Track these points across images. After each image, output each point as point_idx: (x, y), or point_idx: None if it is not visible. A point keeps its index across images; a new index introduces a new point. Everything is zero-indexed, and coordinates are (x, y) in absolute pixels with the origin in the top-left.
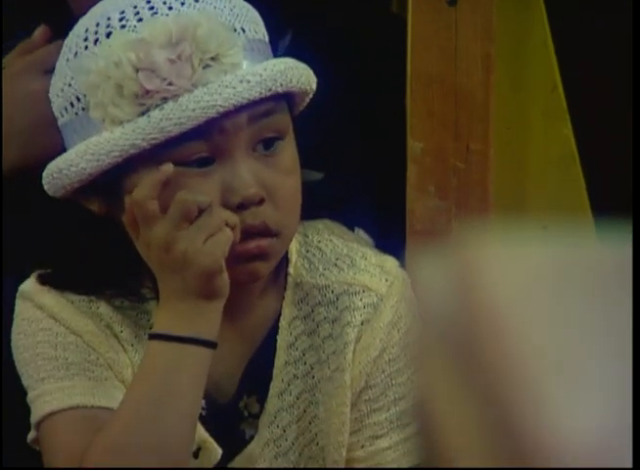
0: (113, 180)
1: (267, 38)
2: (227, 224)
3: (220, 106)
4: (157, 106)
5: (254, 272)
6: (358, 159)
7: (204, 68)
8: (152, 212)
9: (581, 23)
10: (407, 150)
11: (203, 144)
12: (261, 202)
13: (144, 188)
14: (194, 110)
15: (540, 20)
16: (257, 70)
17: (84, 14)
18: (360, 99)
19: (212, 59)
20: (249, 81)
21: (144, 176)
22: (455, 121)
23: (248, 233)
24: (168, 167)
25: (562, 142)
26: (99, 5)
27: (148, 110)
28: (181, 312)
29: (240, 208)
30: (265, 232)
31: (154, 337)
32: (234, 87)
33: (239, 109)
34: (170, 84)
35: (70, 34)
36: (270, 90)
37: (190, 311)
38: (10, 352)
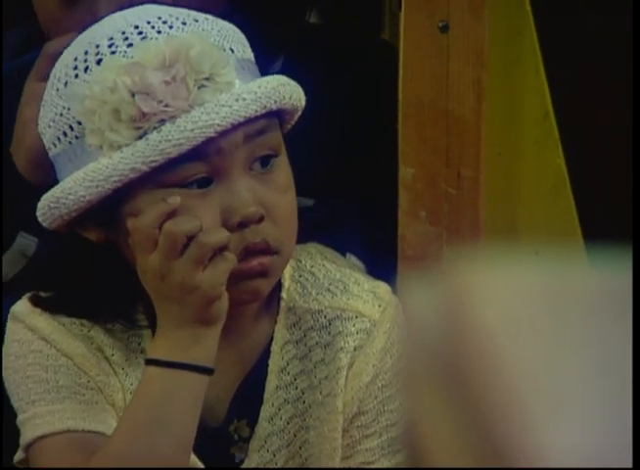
0: (111, 206)
1: (253, 59)
2: (221, 249)
3: (218, 125)
4: (154, 128)
5: (256, 290)
6: (349, 184)
7: (199, 88)
8: (151, 241)
9: (573, 52)
10: (398, 175)
11: (201, 165)
12: (261, 220)
13: (149, 217)
14: (192, 130)
15: (532, 47)
16: (252, 88)
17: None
18: (351, 124)
19: (207, 79)
20: (244, 99)
21: (144, 200)
22: (447, 147)
23: (249, 251)
24: (175, 200)
25: (554, 171)
26: (84, 34)
27: (145, 133)
28: (178, 339)
29: (240, 226)
30: (266, 250)
31: (150, 362)
32: (230, 106)
33: (234, 128)
34: (167, 106)
35: (57, 65)
36: (265, 107)
37: (188, 338)
38: None
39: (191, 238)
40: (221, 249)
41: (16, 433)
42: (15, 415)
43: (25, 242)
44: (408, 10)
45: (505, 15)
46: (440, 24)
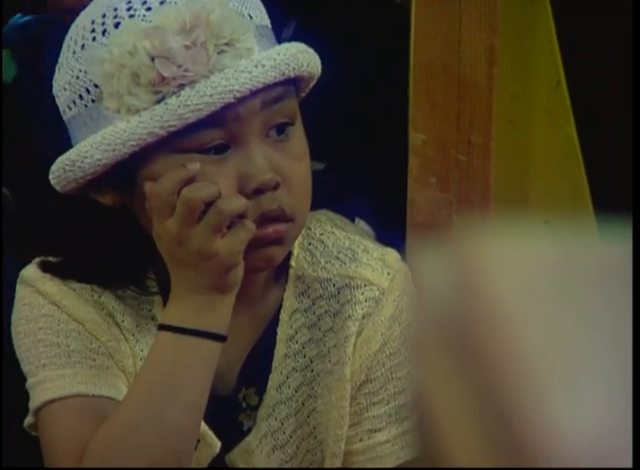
0: (127, 170)
1: (270, 25)
2: (239, 217)
3: (237, 91)
4: (173, 93)
5: (271, 257)
6: (359, 150)
7: (218, 53)
8: (169, 207)
9: (586, 20)
10: (409, 141)
11: (218, 131)
12: (277, 187)
13: (167, 182)
14: (211, 95)
15: (545, 15)
16: (271, 55)
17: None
18: (363, 90)
19: (227, 44)
20: (263, 65)
21: (161, 165)
22: (457, 113)
23: (265, 218)
24: (195, 166)
25: (564, 139)
26: None
27: (164, 97)
28: (193, 305)
29: (256, 193)
30: (281, 217)
31: (164, 328)
32: (249, 72)
33: (253, 94)
34: (187, 71)
35: (73, 27)
36: (284, 74)
37: (202, 305)
38: (9, 352)
39: (209, 204)
40: (239, 216)
41: (16, 431)
42: (16, 417)
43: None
44: None
45: None
46: None
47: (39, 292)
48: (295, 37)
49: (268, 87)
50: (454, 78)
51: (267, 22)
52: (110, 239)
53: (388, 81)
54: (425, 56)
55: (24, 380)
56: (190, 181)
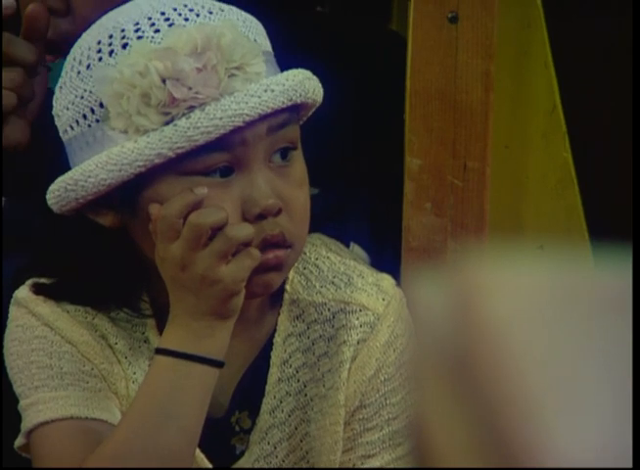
0: (130, 191)
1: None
2: (244, 244)
3: (247, 115)
4: (183, 115)
5: (269, 284)
6: (355, 174)
7: (229, 77)
8: (174, 231)
9: (583, 46)
10: (405, 166)
11: (224, 154)
12: (279, 212)
13: (174, 205)
14: (221, 118)
15: (541, 40)
16: (280, 80)
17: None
18: (359, 115)
19: (237, 68)
20: (272, 90)
21: (166, 187)
22: (453, 139)
23: (266, 243)
24: (203, 191)
25: (560, 164)
26: (107, 17)
27: (172, 119)
28: (192, 330)
29: (259, 218)
30: (282, 243)
31: (161, 352)
32: (259, 96)
33: (260, 119)
34: (197, 93)
35: (77, 48)
36: (291, 100)
37: (202, 330)
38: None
39: (215, 230)
40: (245, 244)
41: (16, 430)
42: (15, 409)
43: None
44: (417, 0)
45: (515, 7)
46: (450, 15)
47: (32, 313)
48: (290, 62)
49: (274, 113)
50: (450, 104)
51: (270, 48)
52: (104, 261)
53: (384, 107)
54: (421, 81)
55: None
56: (196, 205)
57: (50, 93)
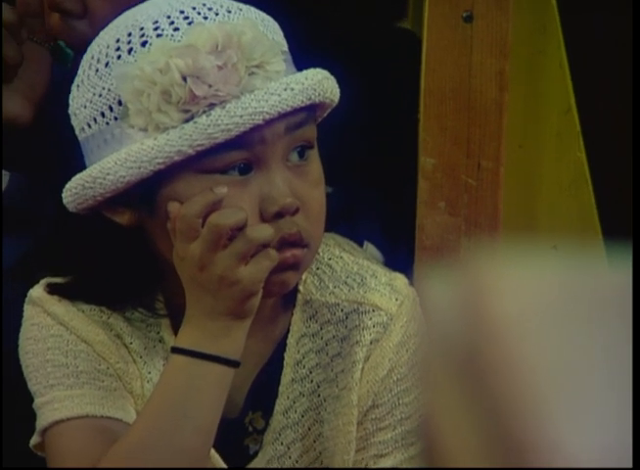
0: (148, 189)
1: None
2: (263, 245)
3: (267, 113)
4: (203, 112)
5: (285, 283)
6: (369, 173)
7: (249, 75)
8: (194, 230)
9: (597, 46)
10: (419, 165)
11: (243, 152)
12: (296, 211)
13: (195, 205)
14: (241, 116)
15: (557, 41)
16: (299, 79)
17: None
18: (373, 113)
19: (257, 66)
20: (292, 89)
21: (184, 185)
22: (467, 138)
23: (284, 242)
24: (222, 190)
25: (574, 165)
26: (125, 16)
27: (192, 116)
28: (209, 330)
29: (276, 216)
30: (299, 242)
31: (178, 351)
32: (279, 94)
33: (279, 118)
34: (218, 90)
35: (94, 46)
36: (310, 99)
37: (218, 330)
38: (9, 352)
39: (234, 230)
40: (264, 244)
41: (16, 433)
42: (16, 417)
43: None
44: None
45: (530, 8)
46: (464, 15)
47: (47, 312)
48: (306, 60)
49: (293, 112)
50: (464, 103)
51: (287, 47)
52: (119, 260)
53: (398, 105)
54: (435, 81)
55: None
56: (216, 205)
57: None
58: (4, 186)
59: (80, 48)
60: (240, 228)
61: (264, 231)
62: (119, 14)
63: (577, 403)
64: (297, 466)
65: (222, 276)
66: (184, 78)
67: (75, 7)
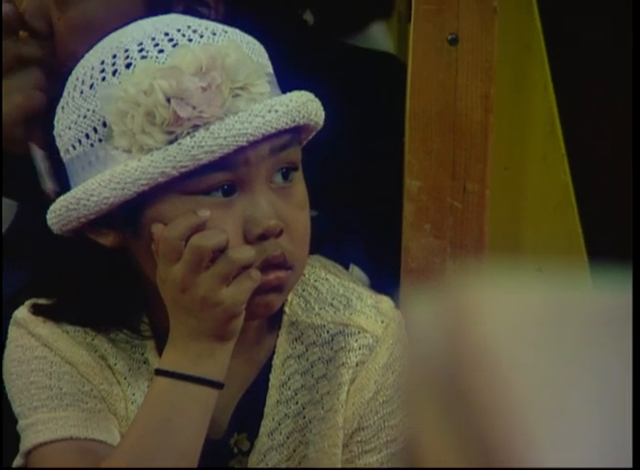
0: (132, 210)
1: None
2: (244, 267)
3: (251, 134)
4: (187, 134)
5: (269, 305)
6: (355, 195)
7: (233, 96)
8: (176, 252)
9: (582, 67)
10: (404, 188)
11: (227, 174)
12: (280, 233)
13: (178, 227)
14: (225, 138)
15: (541, 62)
16: (284, 101)
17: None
18: (358, 136)
19: (241, 88)
20: (276, 111)
21: (168, 206)
22: (453, 161)
23: (268, 264)
24: (206, 213)
25: (559, 187)
26: (110, 38)
27: (176, 138)
28: (192, 352)
29: (260, 238)
30: (283, 264)
31: (161, 373)
32: (263, 116)
33: (263, 139)
34: (202, 112)
35: (79, 68)
36: (294, 121)
37: (201, 352)
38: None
39: (215, 251)
40: (246, 266)
41: (16, 435)
42: (15, 418)
43: (6, 206)
44: (418, 22)
45: (515, 30)
46: (449, 37)
47: (32, 334)
48: (290, 84)
49: (277, 134)
50: (450, 126)
51: (271, 70)
52: (104, 282)
53: (383, 128)
54: (421, 103)
55: None
56: (199, 227)
57: None
58: (13, 215)
59: (47, 68)
60: (222, 250)
61: (246, 253)
62: (85, 36)
63: (560, 423)
64: None
65: (204, 298)
66: (168, 100)
67: (42, 28)
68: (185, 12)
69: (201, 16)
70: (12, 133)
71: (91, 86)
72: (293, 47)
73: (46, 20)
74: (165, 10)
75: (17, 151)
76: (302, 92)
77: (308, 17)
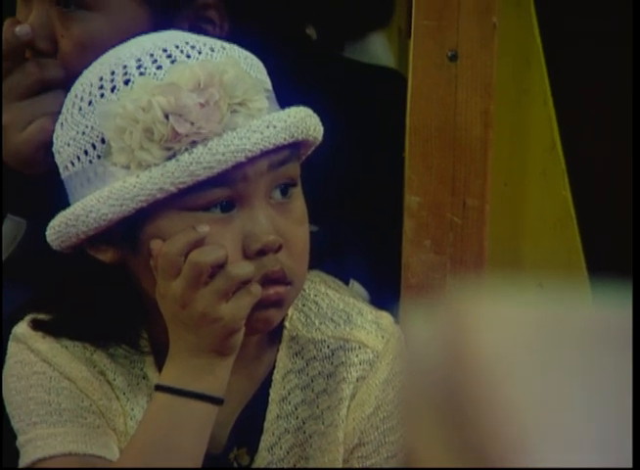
0: (131, 226)
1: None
2: (243, 282)
3: (249, 150)
4: (185, 150)
5: (269, 320)
6: (355, 211)
7: (231, 112)
8: (176, 268)
9: (582, 83)
10: (404, 204)
11: (225, 190)
12: (279, 249)
13: (176, 243)
14: (223, 154)
15: (540, 78)
16: (282, 117)
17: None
18: (358, 152)
19: (239, 104)
20: (275, 127)
21: (166, 222)
22: (453, 176)
23: (267, 279)
24: (205, 229)
25: (559, 202)
26: (108, 55)
27: (175, 154)
28: (192, 367)
29: (259, 254)
30: (282, 279)
31: (161, 389)
32: (261, 132)
33: (261, 155)
34: (200, 128)
35: (78, 85)
36: (292, 137)
37: (201, 367)
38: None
39: (214, 267)
40: (245, 281)
41: (15, 450)
42: (15, 434)
43: (14, 224)
44: (417, 38)
45: (514, 46)
46: (449, 54)
47: (31, 349)
48: (292, 99)
49: (276, 149)
50: (450, 141)
51: (270, 85)
52: (103, 297)
53: (383, 144)
54: (421, 119)
55: None
56: (198, 243)
57: None
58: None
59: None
60: (221, 266)
61: (245, 268)
62: (90, 54)
63: (561, 442)
64: None
65: (203, 313)
66: (166, 116)
67: (46, 46)
68: (190, 29)
69: (205, 33)
70: (33, 156)
71: (90, 103)
72: (296, 62)
73: (51, 37)
74: (170, 27)
75: (34, 172)
76: (301, 108)
77: (311, 31)
